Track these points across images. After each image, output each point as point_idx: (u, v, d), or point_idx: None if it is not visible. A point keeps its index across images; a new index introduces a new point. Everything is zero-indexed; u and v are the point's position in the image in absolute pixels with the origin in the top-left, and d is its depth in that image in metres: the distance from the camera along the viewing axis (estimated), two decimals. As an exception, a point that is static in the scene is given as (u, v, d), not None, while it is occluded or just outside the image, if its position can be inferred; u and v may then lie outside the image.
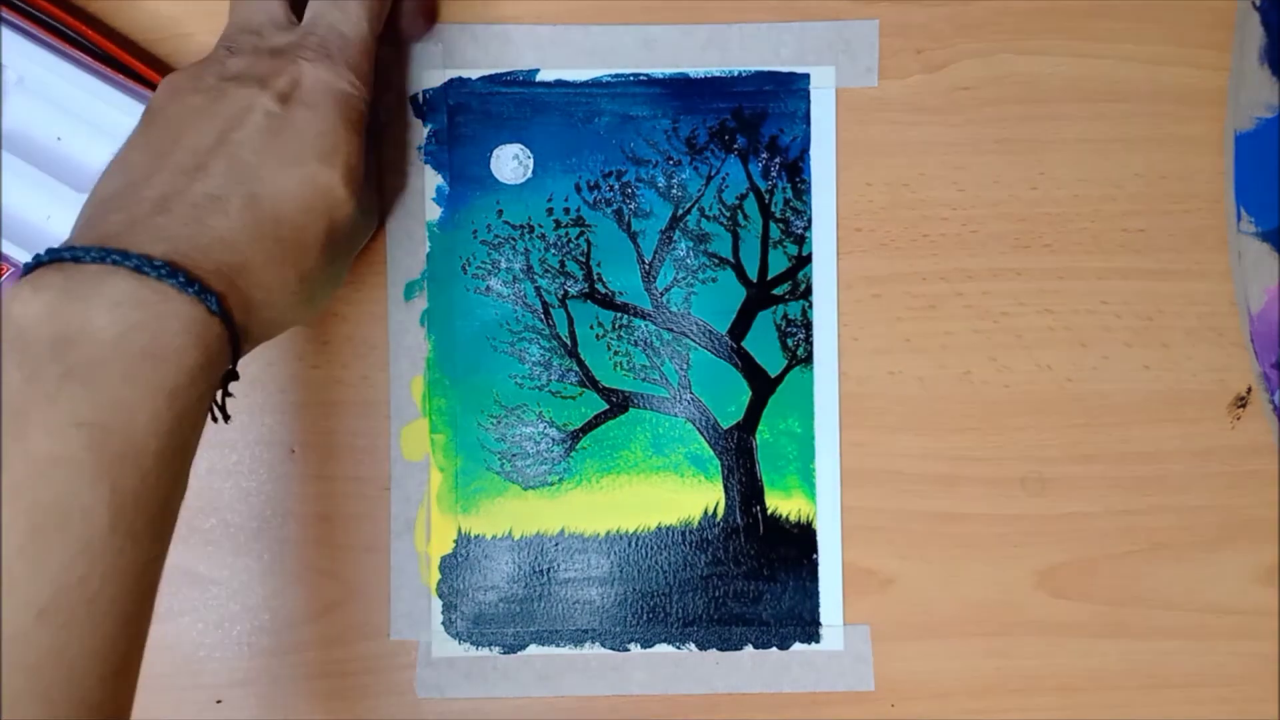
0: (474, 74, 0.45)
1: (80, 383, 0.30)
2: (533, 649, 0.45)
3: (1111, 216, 0.46)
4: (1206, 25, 0.46)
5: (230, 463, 0.46)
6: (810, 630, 0.45)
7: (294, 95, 0.38)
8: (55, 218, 0.45)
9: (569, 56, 0.45)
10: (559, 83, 0.45)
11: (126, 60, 0.44)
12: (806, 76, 0.45)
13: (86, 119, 0.45)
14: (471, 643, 0.45)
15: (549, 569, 0.45)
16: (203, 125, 0.38)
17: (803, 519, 0.45)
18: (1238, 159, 0.45)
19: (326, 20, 0.40)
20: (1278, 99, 0.44)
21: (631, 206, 0.46)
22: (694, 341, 0.46)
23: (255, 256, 0.35)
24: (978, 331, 0.46)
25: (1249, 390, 0.46)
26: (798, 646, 0.45)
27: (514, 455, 0.46)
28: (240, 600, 0.46)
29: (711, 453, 0.46)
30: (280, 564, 0.46)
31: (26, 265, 0.33)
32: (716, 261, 0.46)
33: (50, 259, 0.33)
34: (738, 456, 0.46)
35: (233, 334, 0.34)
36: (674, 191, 0.46)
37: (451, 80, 0.45)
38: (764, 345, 0.46)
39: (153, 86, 0.43)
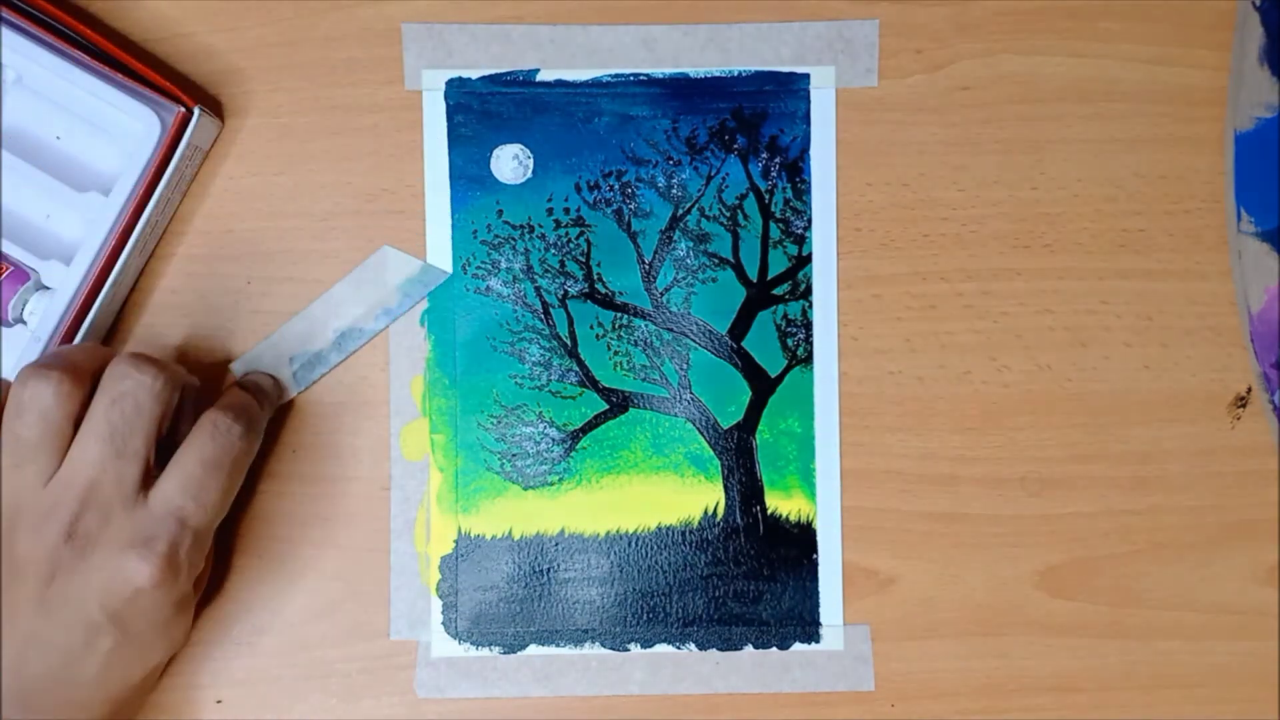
0: (474, 74, 0.45)
1: None
2: (533, 649, 0.45)
3: (1111, 216, 0.46)
4: (1206, 25, 0.46)
5: (230, 462, 0.46)
6: (810, 630, 0.45)
7: (130, 623, 0.39)
8: (55, 216, 0.45)
9: (569, 56, 0.45)
10: (559, 83, 0.45)
11: (126, 60, 0.44)
12: (806, 76, 0.45)
13: (86, 118, 0.45)
14: (471, 643, 0.45)
15: (549, 569, 0.45)
16: (45, 642, 0.38)
17: (803, 519, 0.45)
18: (1238, 159, 0.45)
19: (179, 515, 0.39)
20: (1277, 99, 0.44)
21: (631, 206, 0.46)
22: (694, 341, 0.46)
23: None
24: (977, 331, 0.46)
25: (1249, 390, 0.46)
26: (798, 646, 0.45)
27: (514, 455, 0.46)
28: (240, 600, 0.45)
29: (711, 453, 0.46)
30: (280, 564, 0.46)
31: None
32: (716, 261, 0.46)
33: None
34: (738, 456, 0.46)
35: None
36: (674, 191, 0.46)
37: (451, 80, 0.45)
38: (764, 345, 0.46)
39: (151, 85, 0.43)
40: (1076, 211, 0.46)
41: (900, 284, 0.46)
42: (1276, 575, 0.46)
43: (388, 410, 0.46)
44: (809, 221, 0.46)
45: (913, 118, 0.46)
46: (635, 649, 0.45)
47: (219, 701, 0.45)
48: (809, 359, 0.46)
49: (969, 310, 0.46)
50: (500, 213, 0.45)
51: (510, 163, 0.45)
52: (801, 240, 0.46)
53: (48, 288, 0.44)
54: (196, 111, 0.43)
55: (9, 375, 0.43)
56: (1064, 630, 0.45)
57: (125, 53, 0.44)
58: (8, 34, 0.43)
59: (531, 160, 0.45)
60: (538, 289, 0.45)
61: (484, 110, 0.45)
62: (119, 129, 0.44)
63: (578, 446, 0.45)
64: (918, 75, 0.46)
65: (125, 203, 0.43)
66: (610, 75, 0.45)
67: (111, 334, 0.46)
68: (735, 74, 0.45)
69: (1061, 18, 0.45)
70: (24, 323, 0.44)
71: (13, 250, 0.44)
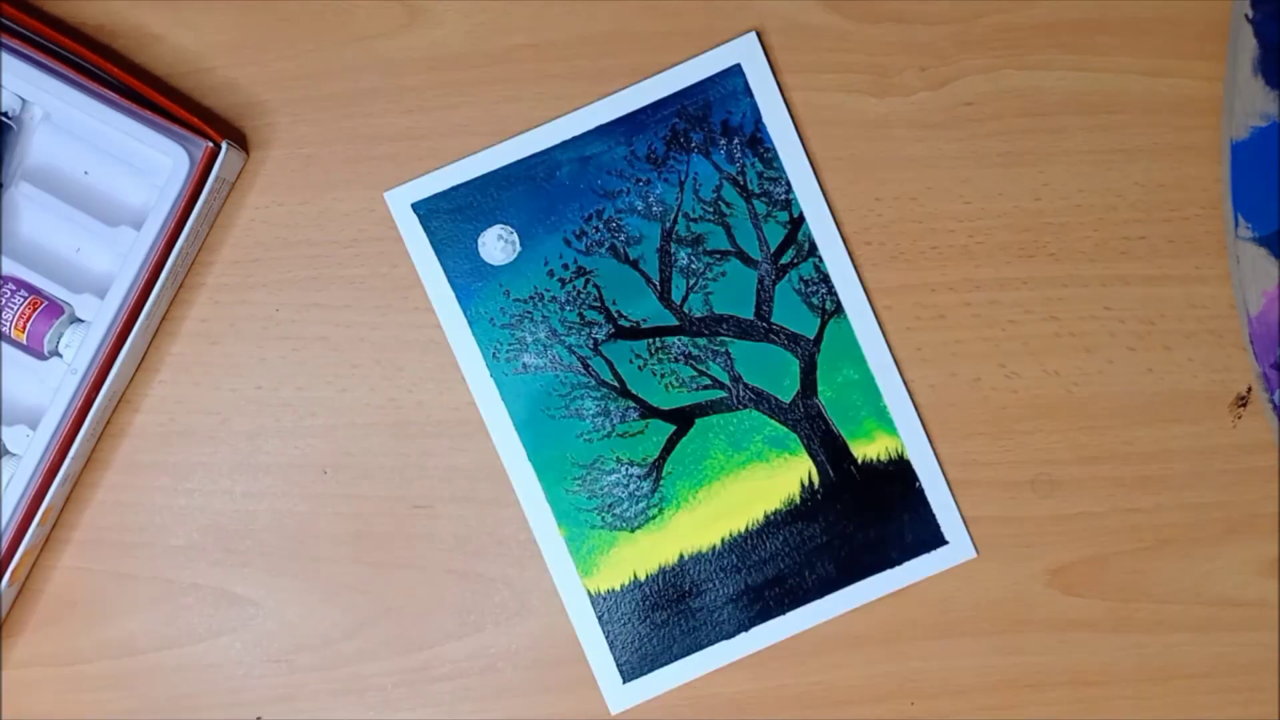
0: (432, 181, 0.46)
1: None
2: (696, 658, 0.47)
3: (1113, 225, 0.47)
4: (1201, 37, 0.47)
5: (264, 485, 0.47)
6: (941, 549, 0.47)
7: None
8: (85, 250, 0.46)
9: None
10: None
11: (150, 95, 0.45)
12: (733, 51, 0.46)
13: (113, 153, 0.46)
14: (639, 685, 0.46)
15: (682, 595, 0.46)
16: None
17: (893, 455, 0.47)
18: (1234, 167, 0.46)
19: None
20: (1272, 108, 0.45)
21: (622, 238, 0.47)
22: (728, 336, 0.47)
23: None
24: (986, 339, 0.47)
25: (1249, 390, 0.47)
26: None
27: (610, 505, 0.46)
28: (277, 619, 0.47)
29: (785, 429, 0.47)
30: (315, 582, 0.47)
31: None
32: (719, 256, 0.47)
33: None
34: (811, 423, 0.47)
35: None
36: (655, 209, 0.47)
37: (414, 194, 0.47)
38: (793, 313, 0.47)
39: (179, 121, 0.44)
40: (1079, 221, 0.47)
41: (910, 295, 0.47)
42: (1278, 568, 0.47)
43: (413, 430, 0.47)
44: (788, 184, 0.46)
45: (918, 133, 0.47)
46: (789, 630, 0.46)
47: (259, 718, 0.47)
48: (839, 309, 0.46)
49: (977, 319, 0.47)
50: (507, 293, 0.46)
51: (496, 244, 0.46)
52: (788, 204, 0.46)
53: (82, 320, 0.45)
54: (224, 146, 0.44)
55: (46, 409, 0.44)
56: (1076, 626, 0.47)
57: (152, 89, 0.45)
58: (35, 72, 0.44)
59: (515, 234, 0.46)
60: (569, 347, 0.46)
61: (454, 207, 0.46)
62: (147, 164, 0.45)
63: (664, 474, 0.46)
64: (922, 92, 0.47)
65: (157, 236, 0.44)
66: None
67: (144, 364, 0.47)
68: (668, 77, 0.46)
69: (1061, 33, 0.47)
70: (60, 355, 0.45)
71: (46, 284, 0.45)
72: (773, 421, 0.46)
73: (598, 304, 0.46)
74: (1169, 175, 0.47)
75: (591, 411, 0.46)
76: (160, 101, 0.45)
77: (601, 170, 0.46)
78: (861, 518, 0.46)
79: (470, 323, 0.46)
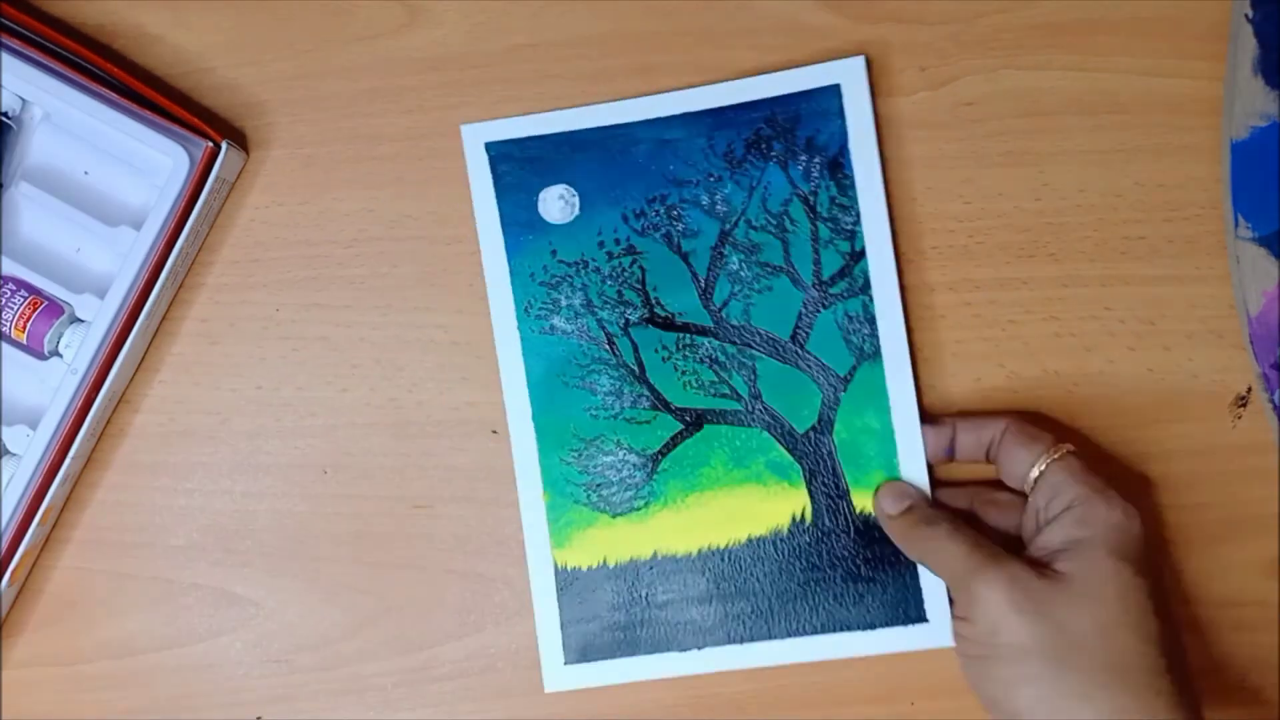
0: (511, 123, 0.46)
1: None
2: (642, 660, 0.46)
3: (1113, 225, 0.47)
4: (1201, 37, 0.47)
5: (264, 485, 0.47)
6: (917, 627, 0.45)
7: None
8: (85, 250, 0.46)
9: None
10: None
11: (150, 95, 0.45)
12: (836, 71, 0.46)
13: (113, 153, 0.46)
14: (579, 675, 0.46)
15: (646, 594, 0.46)
16: None
17: None
18: (1234, 167, 0.46)
19: None
20: (1272, 108, 0.46)
21: (679, 228, 0.46)
22: (759, 351, 0.46)
23: None
24: (986, 340, 0.47)
25: (1249, 390, 0.47)
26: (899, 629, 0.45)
27: (599, 485, 0.46)
28: (277, 619, 0.47)
29: (791, 459, 0.46)
30: (315, 582, 0.47)
31: None
32: (770, 270, 0.46)
33: None
34: (818, 459, 0.46)
35: None
36: (719, 207, 0.46)
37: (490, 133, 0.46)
38: (829, 346, 0.46)
39: (179, 121, 0.44)
40: (1079, 221, 0.47)
41: (911, 295, 0.47)
42: (1278, 568, 0.47)
43: (415, 430, 0.47)
44: (857, 216, 0.46)
45: (919, 134, 0.47)
46: (740, 662, 0.45)
47: (259, 718, 0.47)
48: (877, 354, 0.46)
49: (978, 319, 0.47)
50: (554, 253, 0.46)
51: (557, 203, 0.46)
52: (852, 236, 0.46)
53: (82, 320, 0.45)
54: (224, 146, 0.44)
55: (46, 409, 0.44)
56: (1076, 626, 0.47)
57: (152, 89, 0.45)
58: (35, 73, 0.44)
59: (577, 198, 0.46)
60: (599, 321, 0.46)
61: (525, 156, 0.46)
62: (147, 164, 0.46)
63: (659, 469, 0.46)
64: (923, 92, 0.47)
65: (157, 236, 0.44)
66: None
67: (144, 364, 0.47)
68: (764, 81, 0.46)
69: (1060, 34, 0.47)
70: (60, 355, 0.45)
71: (46, 284, 0.45)
72: (780, 447, 0.46)
73: (638, 286, 0.46)
74: (1169, 175, 0.47)
75: (604, 389, 0.46)
76: (160, 101, 0.45)
77: (676, 156, 0.46)
78: (845, 569, 0.45)
79: (511, 273, 0.46)
